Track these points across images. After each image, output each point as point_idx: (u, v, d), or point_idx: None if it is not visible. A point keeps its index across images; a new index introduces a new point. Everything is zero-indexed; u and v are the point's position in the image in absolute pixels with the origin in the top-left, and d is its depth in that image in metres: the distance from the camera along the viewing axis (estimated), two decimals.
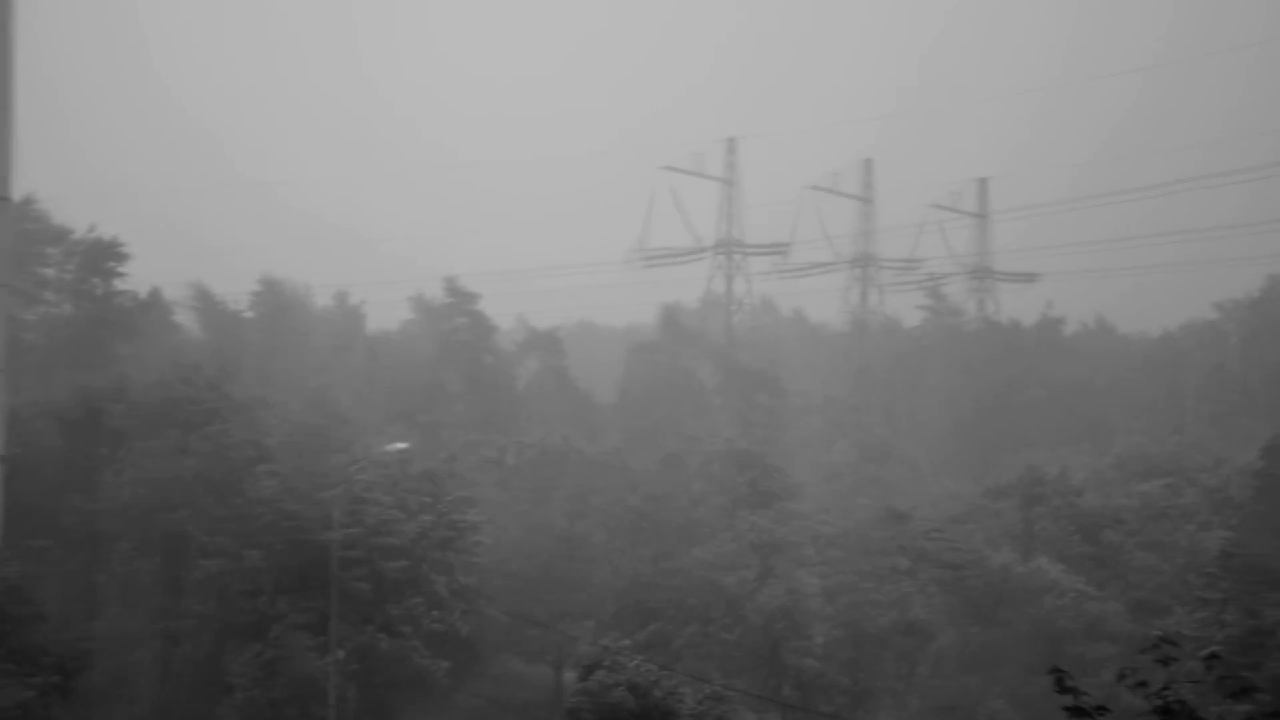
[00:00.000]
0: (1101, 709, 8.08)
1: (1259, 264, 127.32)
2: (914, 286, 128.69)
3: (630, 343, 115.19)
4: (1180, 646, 8.62)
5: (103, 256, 76.12)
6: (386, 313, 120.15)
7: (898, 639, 49.69)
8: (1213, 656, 9.42)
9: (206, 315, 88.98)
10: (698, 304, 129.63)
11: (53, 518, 45.56)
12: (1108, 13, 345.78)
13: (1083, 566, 55.76)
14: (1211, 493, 63.12)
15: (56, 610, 40.01)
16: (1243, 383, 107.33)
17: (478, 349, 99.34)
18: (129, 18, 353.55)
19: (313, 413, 69.32)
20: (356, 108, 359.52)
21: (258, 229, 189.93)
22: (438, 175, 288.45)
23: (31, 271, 75.67)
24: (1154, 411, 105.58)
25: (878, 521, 58.92)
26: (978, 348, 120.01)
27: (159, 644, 43.79)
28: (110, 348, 71.90)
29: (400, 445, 54.54)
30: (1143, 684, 8.25)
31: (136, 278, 78.74)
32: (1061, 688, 8.24)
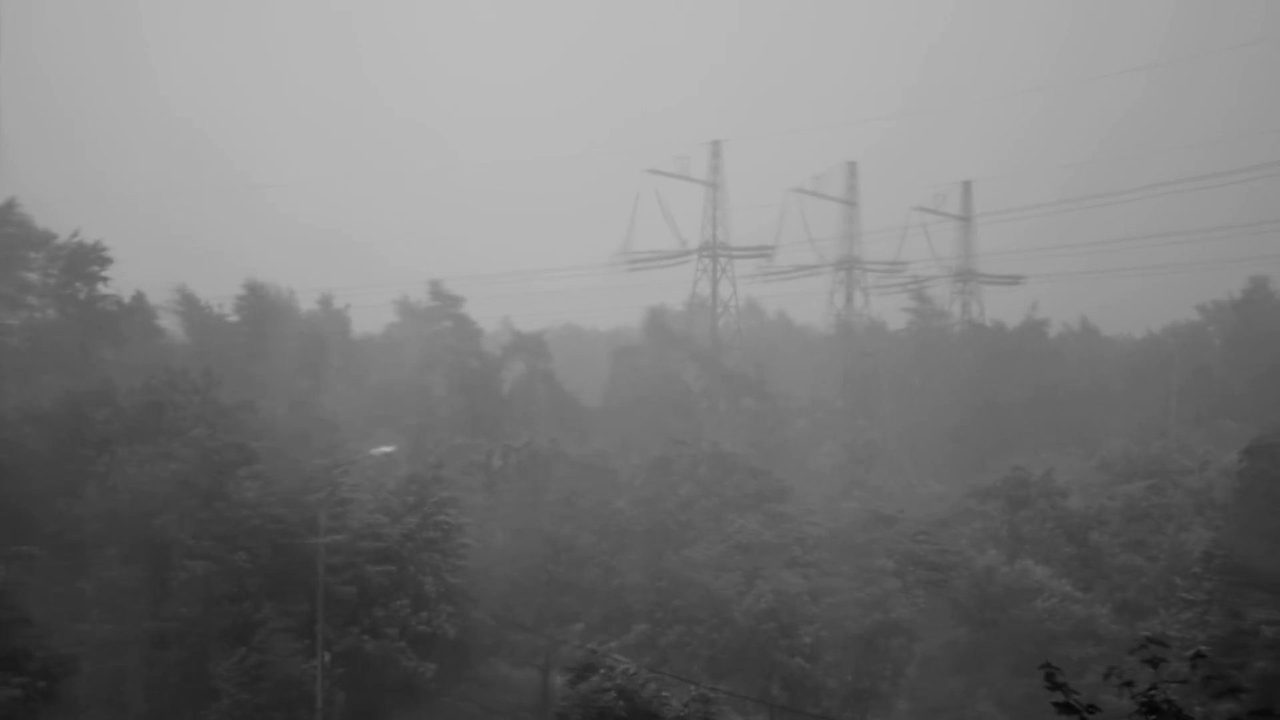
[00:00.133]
0: (1091, 708, 8.14)
1: (1248, 266, 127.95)
2: (899, 289, 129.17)
3: (615, 345, 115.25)
4: (1168, 647, 8.69)
5: (86, 261, 75.76)
6: (375, 316, 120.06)
7: (882, 640, 49.82)
8: (1198, 656, 9.50)
9: (191, 319, 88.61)
10: (683, 307, 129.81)
11: (37, 523, 45.33)
12: (1107, 13, 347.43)
13: (1068, 568, 56.00)
14: (1195, 494, 63.43)
15: (41, 615, 39.78)
16: (1226, 384, 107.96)
17: (463, 352, 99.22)
18: (127, 21, 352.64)
19: (298, 417, 69.22)
20: (348, 110, 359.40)
21: (251, 232, 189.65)
22: (430, 177, 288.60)
23: (14, 276, 75.34)
24: (1138, 413, 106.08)
25: (865, 524, 59.09)
26: (962, 350, 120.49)
27: (145, 649, 43.56)
28: (94, 352, 71.59)
29: (386, 449, 54.50)
30: (1129, 684, 8.31)
31: (130, 282, 78.59)
32: (1052, 684, 8.29)
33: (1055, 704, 8.19)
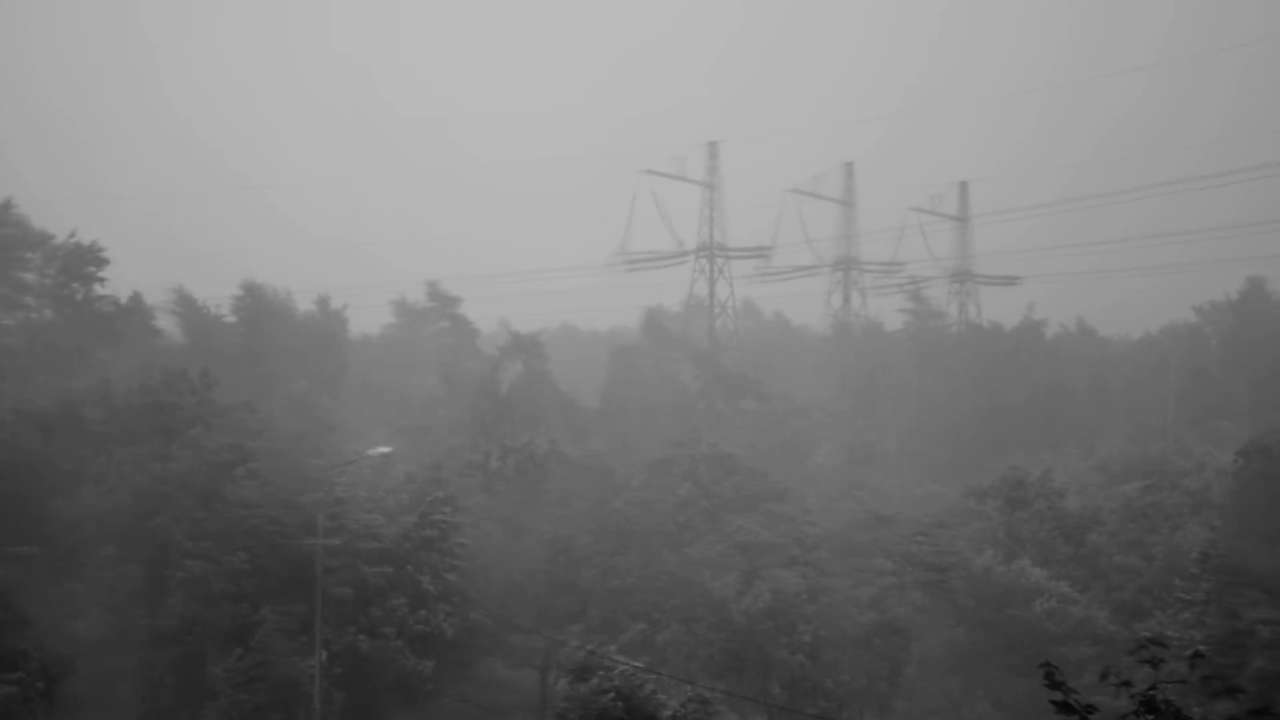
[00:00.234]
0: (1090, 707, 8.14)
1: (1248, 266, 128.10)
2: (896, 290, 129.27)
3: (613, 346, 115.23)
4: (1167, 648, 8.70)
5: (83, 261, 75.84)
6: (375, 317, 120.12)
7: (880, 640, 49.83)
8: (1197, 655, 9.51)
9: (188, 320, 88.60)
10: (680, 307, 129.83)
11: (34, 523, 45.32)
12: (1107, 13, 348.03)
13: (1066, 568, 56.02)
14: (1192, 495, 63.51)
15: (39, 615, 39.78)
16: (1223, 385, 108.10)
17: (460, 353, 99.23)
18: (127, 22, 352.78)
19: (295, 417, 69.19)
20: (348, 110, 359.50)
21: (252, 233, 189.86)
22: (430, 177, 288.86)
23: (11, 276, 75.38)
24: (1136, 414, 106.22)
25: (863, 524, 59.12)
26: (960, 351, 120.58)
27: (142, 649, 43.56)
28: (91, 353, 71.60)
29: (383, 449, 54.39)
30: (1126, 684, 8.31)
31: (130, 282, 78.71)
32: (1051, 684, 8.29)
33: (1054, 703, 8.18)
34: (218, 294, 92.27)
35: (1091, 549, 58.22)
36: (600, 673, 35.26)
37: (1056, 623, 50.40)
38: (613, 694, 33.71)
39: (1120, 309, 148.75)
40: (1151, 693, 8.20)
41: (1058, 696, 8.16)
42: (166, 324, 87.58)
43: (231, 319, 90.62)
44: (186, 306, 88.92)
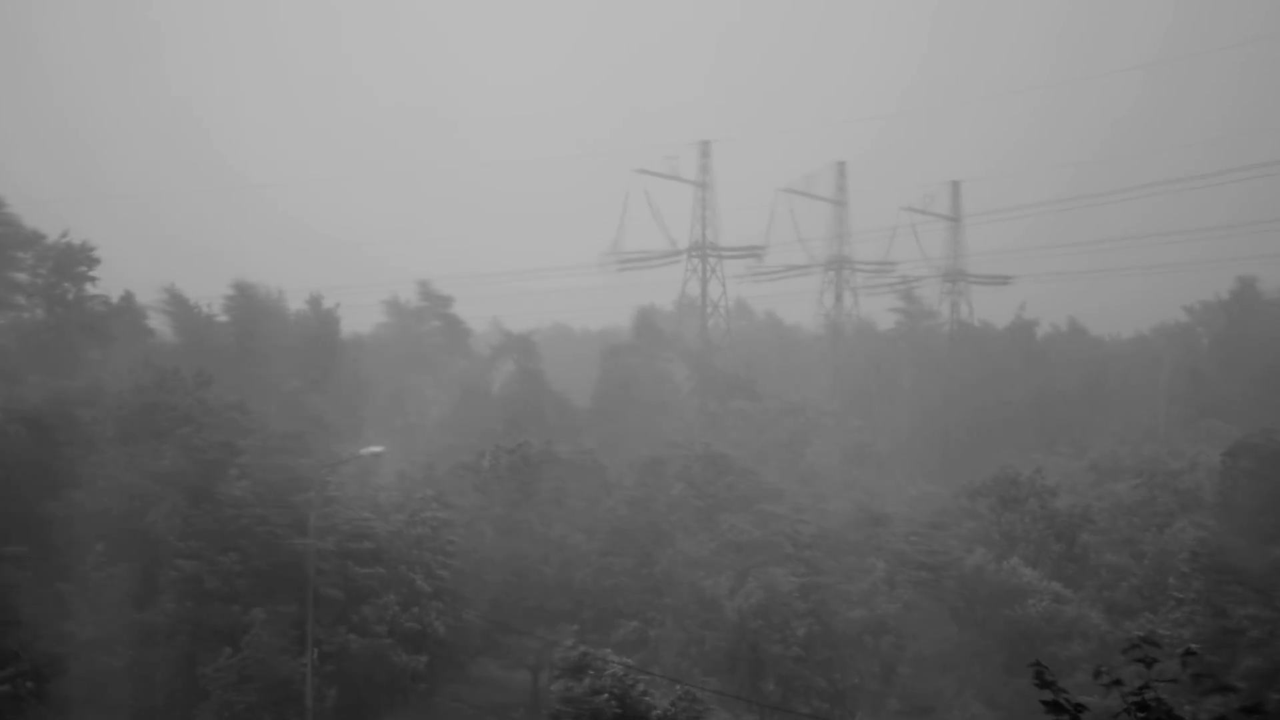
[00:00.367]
0: (1080, 706, 8.17)
1: (1247, 265, 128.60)
2: (888, 289, 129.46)
3: (605, 345, 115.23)
4: (1160, 647, 8.72)
5: (75, 261, 75.54)
6: (371, 316, 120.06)
7: (871, 638, 49.90)
8: (1188, 654, 9.55)
9: (180, 319, 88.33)
10: (673, 307, 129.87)
11: (25, 523, 45.18)
12: (1106, 12, 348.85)
13: (1057, 567, 56.15)
14: (1183, 494, 63.69)
15: (30, 615, 39.68)
16: (1214, 385, 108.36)
17: (452, 352, 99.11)
18: (128, 21, 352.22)
19: (287, 417, 69.03)
20: (348, 110, 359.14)
21: (250, 232, 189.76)
22: (429, 177, 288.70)
23: (3, 276, 75.08)
24: (1128, 414, 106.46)
25: (855, 523, 59.17)
26: (952, 351, 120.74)
27: (133, 648, 43.47)
28: (82, 352, 71.39)
29: (375, 449, 54.32)
30: (1117, 682, 8.34)
31: (128, 281, 78.57)
32: (1041, 683, 8.31)
33: (1044, 702, 8.21)
34: (219, 293, 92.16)
35: (1083, 547, 58.38)
36: (592, 672, 35.23)
37: (1047, 620, 50.50)
38: (606, 694, 33.68)
39: (1120, 309, 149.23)
40: (1144, 691, 8.23)
41: (1048, 696, 8.19)
42: (159, 323, 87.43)
43: (223, 318, 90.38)
44: (178, 306, 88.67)
